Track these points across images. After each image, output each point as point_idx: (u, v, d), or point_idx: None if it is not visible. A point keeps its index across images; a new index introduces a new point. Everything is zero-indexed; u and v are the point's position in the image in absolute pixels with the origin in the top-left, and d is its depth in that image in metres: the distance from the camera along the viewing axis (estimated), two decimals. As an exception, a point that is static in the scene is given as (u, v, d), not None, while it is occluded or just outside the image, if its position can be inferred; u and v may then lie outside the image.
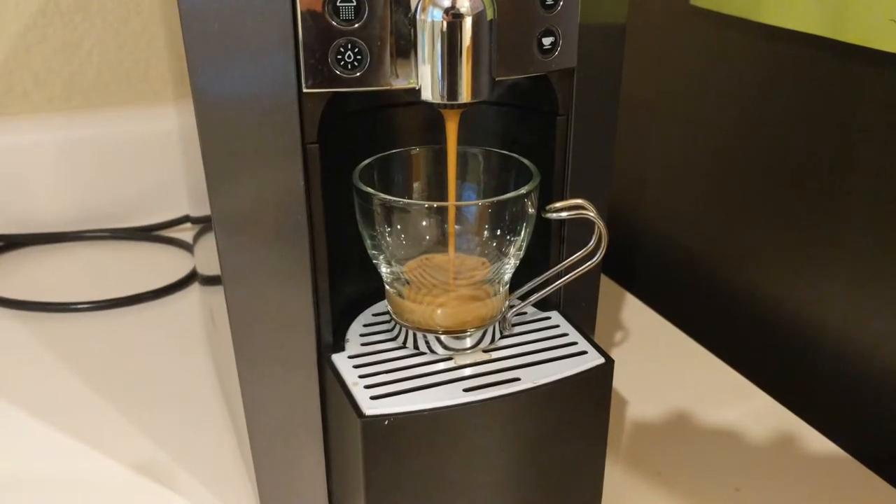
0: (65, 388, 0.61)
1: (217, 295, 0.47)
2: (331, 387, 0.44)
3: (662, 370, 0.63)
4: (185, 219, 0.84)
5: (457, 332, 0.45)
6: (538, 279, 0.47)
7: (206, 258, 0.51)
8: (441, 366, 0.44)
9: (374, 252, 0.45)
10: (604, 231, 0.43)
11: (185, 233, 0.84)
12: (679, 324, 0.69)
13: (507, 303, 0.47)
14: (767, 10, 0.60)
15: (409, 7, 0.39)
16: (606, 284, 0.75)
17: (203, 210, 0.48)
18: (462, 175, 0.47)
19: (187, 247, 0.81)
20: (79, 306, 0.71)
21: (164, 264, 0.79)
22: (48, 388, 0.61)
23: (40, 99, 0.85)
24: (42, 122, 0.84)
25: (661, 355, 0.66)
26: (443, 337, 0.45)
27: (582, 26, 0.43)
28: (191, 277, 0.75)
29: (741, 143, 0.67)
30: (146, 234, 0.84)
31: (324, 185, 0.42)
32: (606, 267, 0.68)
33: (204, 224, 0.51)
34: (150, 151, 0.86)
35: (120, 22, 0.85)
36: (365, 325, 0.48)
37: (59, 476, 0.52)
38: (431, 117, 0.45)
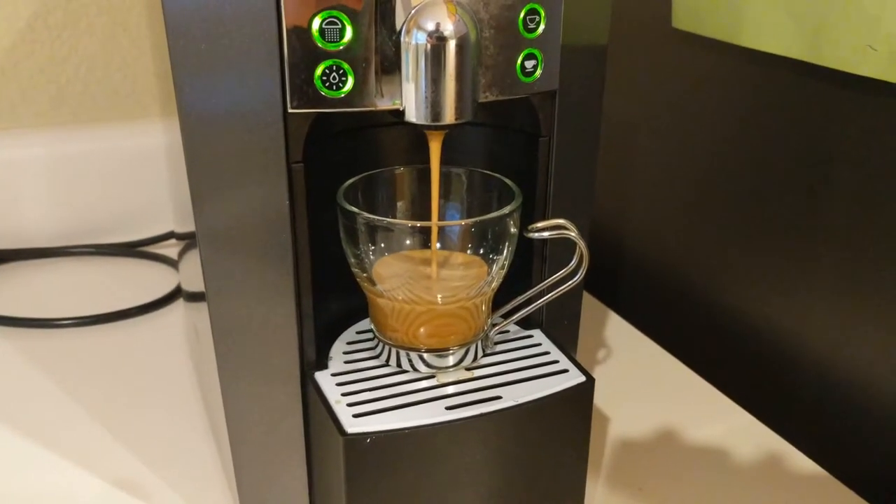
0: (49, 404, 0.60)
1: (201, 311, 0.47)
2: (313, 404, 0.44)
3: (645, 388, 0.64)
4: (170, 235, 0.84)
5: (439, 351, 0.45)
6: (520, 298, 0.48)
7: (191, 274, 0.51)
8: (424, 384, 0.45)
9: (357, 270, 0.45)
10: (585, 251, 0.44)
11: (171, 249, 0.83)
12: (661, 342, 0.70)
13: (489, 321, 0.47)
14: (748, 34, 0.61)
15: (393, 29, 0.39)
16: (590, 302, 0.76)
17: (188, 226, 0.48)
18: (445, 194, 0.48)
19: (172, 263, 0.81)
20: (63, 322, 0.71)
21: (149, 280, 0.79)
22: (32, 404, 0.61)
23: (27, 114, 0.85)
24: (29, 138, 0.84)
25: (643, 373, 0.66)
26: (425, 355, 0.45)
27: (563, 49, 0.44)
28: (176, 293, 0.75)
29: (722, 164, 0.68)
30: (131, 249, 0.84)
31: (308, 204, 0.42)
32: (589, 285, 0.69)
33: (189, 240, 0.51)
34: (136, 167, 0.86)
35: (107, 37, 0.85)
36: (348, 343, 0.48)
37: (43, 492, 0.52)
38: (416, 137, 0.46)
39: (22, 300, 0.75)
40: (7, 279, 0.79)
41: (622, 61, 0.76)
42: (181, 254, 0.61)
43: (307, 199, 0.42)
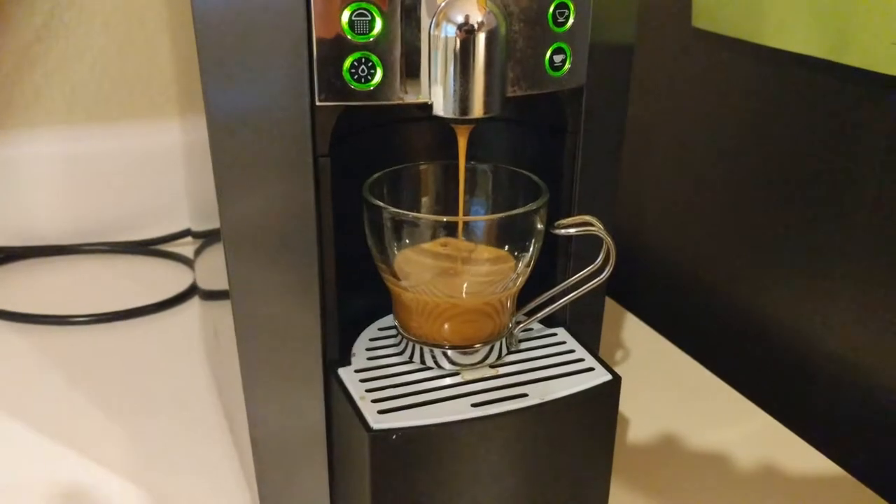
0: (63, 402, 0.60)
1: (222, 309, 0.47)
2: (337, 401, 0.44)
3: (663, 389, 0.63)
4: (185, 233, 0.84)
5: (464, 348, 0.45)
6: (545, 295, 0.47)
7: (211, 272, 0.51)
8: (448, 381, 0.44)
9: (382, 265, 0.45)
10: (612, 247, 0.44)
11: (185, 247, 0.83)
12: (680, 343, 0.69)
13: (514, 319, 0.47)
14: (769, 33, 0.61)
15: (422, 22, 0.39)
16: (606, 303, 0.75)
17: (208, 224, 0.48)
18: (471, 190, 0.47)
19: (187, 261, 0.81)
20: (77, 319, 0.71)
21: (163, 278, 0.78)
22: (46, 401, 0.60)
23: (41, 112, 0.85)
24: (43, 135, 0.84)
25: (661, 374, 0.66)
26: (450, 352, 0.45)
27: (592, 44, 0.43)
28: (190, 292, 0.75)
29: (743, 164, 0.68)
30: (146, 247, 0.84)
31: (333, 199, 0.42)
32: (607, 286, 0.68)
33: (207, 238, 0.51)
34: (150, 165, 0.86)
35: (123, 35, 0.85)
36: (371, 339, 0.48)
37: (55, 488, 0.52)
38: (441, 132, 0.46)
39: (37, 297, 0.74)
40: (22, 276, 0.79)
41: (641, 60, 0.75)
42: (199, 251, 0.61)
43: (332, 194, 0.42)
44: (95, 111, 0.87)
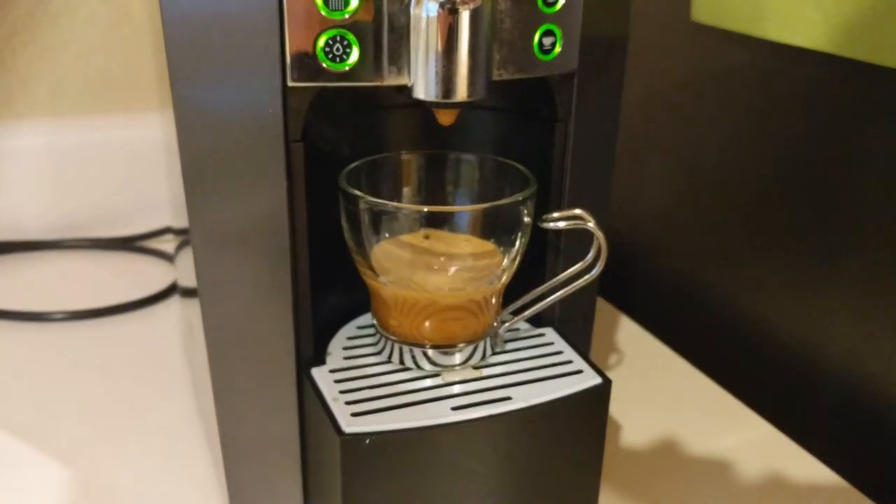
0: (40, 399, 0.59)
1: (194, 305, 0.44)
2: (310, 402, 0.42)
3: (658, 394, 0.61)
4: (167, 230, 0.82)
5: (445, 347, 0.43)
6: (533, 293, 0.45)
7: (185, 268, 0.49)
8: (428, 382, 0.42)
9: (358, 258, 0.42)
10: (603, 243, 0.41)
11: (167, 244, 0.82)
12: (676, 347, 0.67)
13: (499, 317, 0.44)
14: (771, 26, 0.59)
15: (402, -2, 0.37)
16: (600, 304, 0.73)
17: (183, 219, 0.46)
18: (455, 181, 0.45)
19: (169, 258, 0.79)
20: (56, 316, 0.69)
21: (144, 275, 0.77)
22: (23, 398, 0.59)
23: (25, 103, 0.83)
24: (26, 127, 0.82)
25: (656, 379, 0.64)
26: (430, 352, 0.43)
27: (584, 29, 0.41)
28: (171, 289, 0.73)
29: (743, 162, 0.66)
30: (127, 244, 0.82)
31: (307, 189, 0.40)
32: (600, 286, 0.66)
33: (184, 234, 0.49)
34: (134, 160, 0.84)
35: (109, 27, 0.83)
36: (348, 338, 0.46)
37: (32, 488, 0.50)
38: (423, 121, 0.43)
39: (15, 293, 0.73)
40: (0, 271, 0.77)
41: (638, 54, 0.73)
42: (177, 248, 0.59)
43: (306, 184, 0.39)
44: (80, 103, 0.85)
